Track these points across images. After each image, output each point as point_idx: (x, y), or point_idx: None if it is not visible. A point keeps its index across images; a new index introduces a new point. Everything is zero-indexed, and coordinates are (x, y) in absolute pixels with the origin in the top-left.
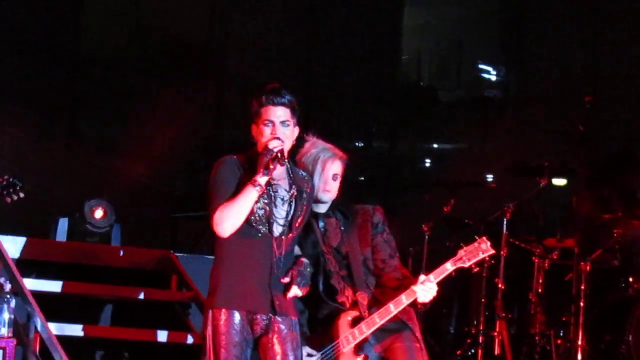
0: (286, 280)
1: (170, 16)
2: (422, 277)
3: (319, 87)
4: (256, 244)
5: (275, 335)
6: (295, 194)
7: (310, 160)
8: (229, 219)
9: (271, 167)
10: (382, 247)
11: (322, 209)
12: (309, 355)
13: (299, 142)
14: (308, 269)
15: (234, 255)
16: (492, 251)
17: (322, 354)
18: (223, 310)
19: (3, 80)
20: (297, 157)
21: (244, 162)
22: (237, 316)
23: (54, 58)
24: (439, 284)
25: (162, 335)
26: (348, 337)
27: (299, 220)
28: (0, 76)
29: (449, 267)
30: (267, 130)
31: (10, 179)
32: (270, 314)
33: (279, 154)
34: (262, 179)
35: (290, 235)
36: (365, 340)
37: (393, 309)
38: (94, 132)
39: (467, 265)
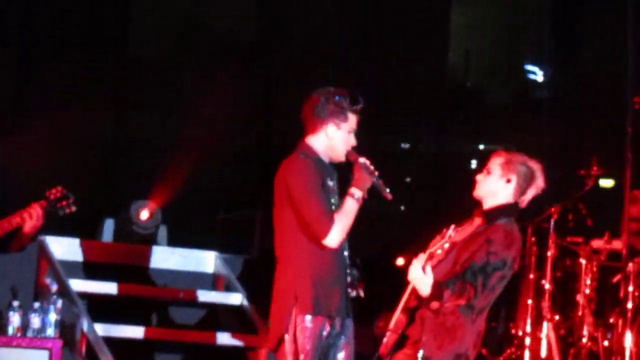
0: (354, 294)
1: (217, 13)
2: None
3: (367, 87)
4: (336, 249)
5: (344, 337)
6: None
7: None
8: (343, 235)
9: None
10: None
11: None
12: None
13: None
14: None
15: (319, 261)
16: (446, 239)
17: None
18: (311, 316)
19: (48, 80)
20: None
21: (316, 162)
22: (323, 321)
23: (99, 57)
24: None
25: (209, 337)
26: None
27: None
28: (44, 76)
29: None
30: (351, 139)
31: (64, 192)
32: (345, 316)
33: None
34: (359, 193)
35: None
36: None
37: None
38: (140, 132)
39: (433, 250)
